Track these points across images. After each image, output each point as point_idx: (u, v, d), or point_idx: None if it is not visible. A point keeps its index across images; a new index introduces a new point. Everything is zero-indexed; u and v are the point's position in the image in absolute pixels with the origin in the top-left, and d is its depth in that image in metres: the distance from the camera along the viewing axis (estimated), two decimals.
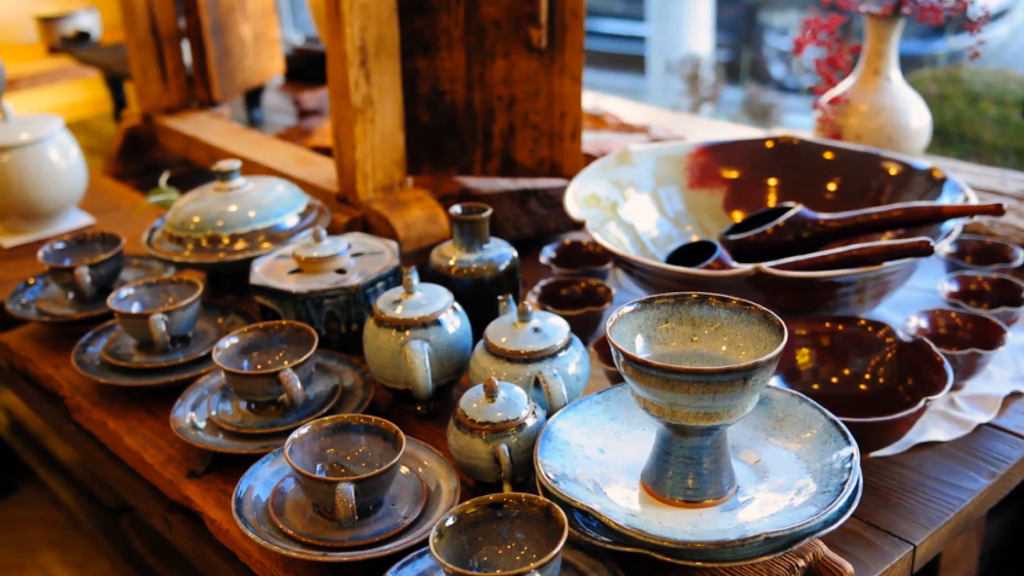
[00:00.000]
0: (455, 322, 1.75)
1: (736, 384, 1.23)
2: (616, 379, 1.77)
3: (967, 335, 1.85)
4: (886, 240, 1.94)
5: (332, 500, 1.41)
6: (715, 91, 5.09)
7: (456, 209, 1.91)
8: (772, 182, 2.31)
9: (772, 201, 2.29)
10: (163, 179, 2.59)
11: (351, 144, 2.27)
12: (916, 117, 2.49)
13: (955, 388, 1.80)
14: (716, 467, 1.36)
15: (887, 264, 1.77)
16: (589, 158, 2.56)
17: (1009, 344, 1.88)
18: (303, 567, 1.45)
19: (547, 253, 2.23)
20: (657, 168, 2.31)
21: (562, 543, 1.22)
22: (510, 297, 1.74)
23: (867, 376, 1.75)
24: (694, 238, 2.22)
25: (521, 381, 1.60)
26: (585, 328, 1.95)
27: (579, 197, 2.14)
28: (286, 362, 1.75)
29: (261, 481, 1.55)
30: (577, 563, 1.35)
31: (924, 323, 1.88)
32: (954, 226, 1.90)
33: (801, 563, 1.36)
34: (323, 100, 3.63)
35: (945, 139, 3.99)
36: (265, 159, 2.70)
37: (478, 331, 1.82)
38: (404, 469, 1.56)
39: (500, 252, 1.93)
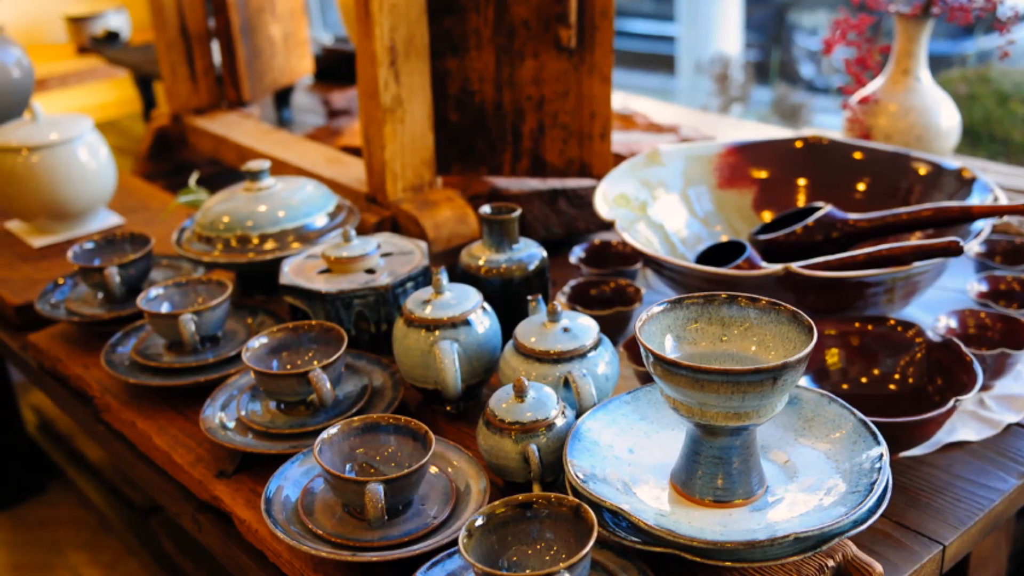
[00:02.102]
0: (484, 322, 1.75)
1: (766, 384, 1.23)
2: (646, 379, 1.77)
3: (996, 335, 1.85)
4: (915, 240, 1.93)
5: (361, 500, 1.41)
6: (744, 91, 5.09)
7: (485, 209, 1.91)
8: (801, 182, 2.31)
9: (801, 201, 2.29)
10: (192, 179, 2.60)
11: (380, 144, 2.27)
12: (945, 117, 2.48)
13: (984, 388, 1.79)
14: (746, 467, 1.35)
15: (916, 264, 1.76)
16: (619, 158, 2.56)
17: None
18: (332, 567, 1.46)
19: (576, 253, 2.23)
20: (686, 168, 2.31)
21: (591, 543, 1.22)
22: (539, 297, 1.74)
23: (896, 376, 1.75)
24: (723, 238, 2.22)
25: (551, 381, 1.60)
26: (614, 328, 1.95)
27: (608, 197, 2.14)
28: (315, 362, 1.75)
29: (290, 481, 1.55)
30: (607, 563, 1.35)
31: (953, 323, 1.88)
32: (983, 226, 1.90)
33: (830, 563, 1.36)
34: (352, 100, 3.64)
35: (974, 139, 3.98)
36: (294, 159, 2.71)
37: (508, 331, 1.82)
38: (433, 469, 1.56)
39: (529, 252, 1.93)
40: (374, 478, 1.41)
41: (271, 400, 1.74)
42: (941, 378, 1.68)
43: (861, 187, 2.24)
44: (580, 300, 2.07)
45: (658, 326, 1.37)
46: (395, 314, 1.90)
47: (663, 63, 7.20)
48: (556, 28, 2.28)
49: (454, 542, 1.38)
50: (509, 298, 1.90)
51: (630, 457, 1.46)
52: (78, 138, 2.60)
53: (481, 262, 1.91)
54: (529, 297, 1.75)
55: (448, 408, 1.77)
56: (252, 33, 3.21)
